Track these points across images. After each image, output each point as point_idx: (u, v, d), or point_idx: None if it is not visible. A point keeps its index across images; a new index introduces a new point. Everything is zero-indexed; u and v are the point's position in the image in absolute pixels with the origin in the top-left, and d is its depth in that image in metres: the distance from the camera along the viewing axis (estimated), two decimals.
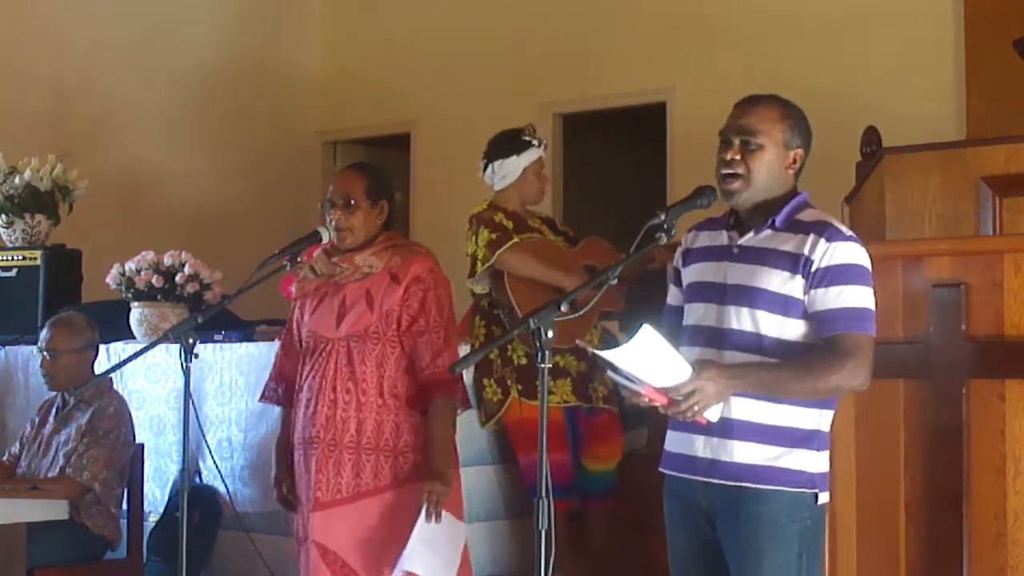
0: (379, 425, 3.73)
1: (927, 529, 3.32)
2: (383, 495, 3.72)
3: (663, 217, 2.87)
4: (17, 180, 6.13)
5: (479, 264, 4.76)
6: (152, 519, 5.18)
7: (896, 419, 3.37)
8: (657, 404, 2.79)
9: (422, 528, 3.65)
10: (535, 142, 4.91)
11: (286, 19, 8.73)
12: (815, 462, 2.89)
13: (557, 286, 4.67)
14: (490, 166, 4.89)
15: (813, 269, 2.83)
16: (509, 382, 4.79)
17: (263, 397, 4.06)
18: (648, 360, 2.71)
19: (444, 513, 3.66)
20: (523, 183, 4.89)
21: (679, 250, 3.13)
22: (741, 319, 2.87)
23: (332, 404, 3.73)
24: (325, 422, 3.73)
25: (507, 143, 4.92)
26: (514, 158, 4.86)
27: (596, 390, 4.89)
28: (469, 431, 4.80)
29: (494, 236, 4.74)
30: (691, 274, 3.03)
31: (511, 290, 4.74)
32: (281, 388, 3.98)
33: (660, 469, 3.04)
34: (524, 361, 4.78)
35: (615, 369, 2.78)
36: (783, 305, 2.85)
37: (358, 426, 3.72)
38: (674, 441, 3.00)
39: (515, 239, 4.75)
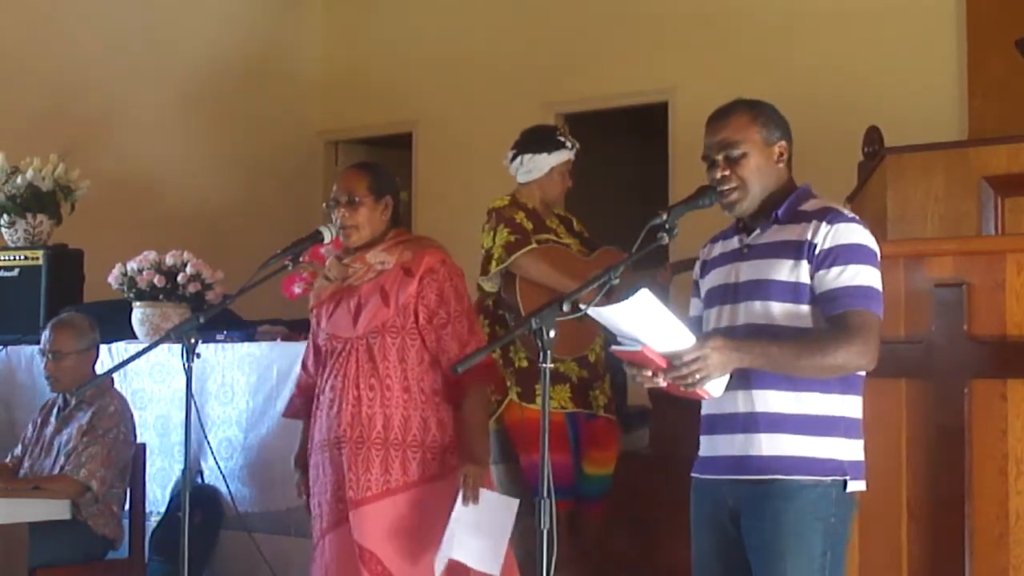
0: (406, 420, 3.73)
1: (929, 529, 3.32)
2: (412, 491, 3.72)
3: (665, 217, 2.87)
4: (19, 180, 6.13)
5: (493, 263, 4.74)
6: (154, 519, 5.18)
7: (898, 419, 3.37)
8: (660, 379, 2.74)
9: (461, 513, 3.65)
10: (568, 144, 4.92)
11: (287, 19, 8.73)
12: (845, 449, 2.87)
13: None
14: (520, 157, 4.88)
15: (817, 252, 2.83)
16: (508, 384, 4.78)
17: (287, 413, 4.09)
18: (646, 323, 2.68)
19: (487, 492, 3.67)
20: (548, 181, 4.89)
21: (697, 263, 3.15)
22: (753, 313, 2.88)
23: (356, 402, 3.73)
24: (351, 420, 3.73)
25: (541, 139, 4.93)
26: (545, 155, 4.86)
27: (596, 398, 4.88)
28: None
29: (512, 238, 4.72)
30: (707, 283, 3.06)
31: (520, 294, 4.73)
32: (300, 402, 4.00)
33: (692, 475, 3.03)
34: (525, 364, 4.76)
35: (619, 340, 2.75)
36: (793, 292, 2.85)
37: (385, 422, 3.72)
38: (705, 445, 3.00)
39: (533, 244, 4.75)
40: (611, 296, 2.79)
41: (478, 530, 3.66)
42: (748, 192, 2.93)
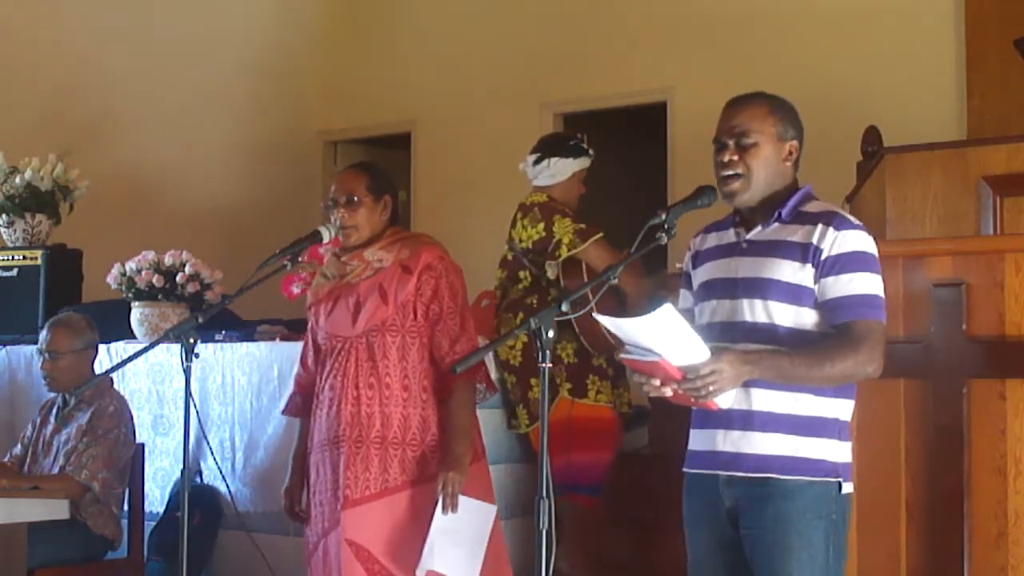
0: (405, 419, 3.73)
1: (928, 529, 3.33)
2: (411, 490, 3.71)
3: (664, 216, 2.88)
4: (18, 180, 6.13)
5: (564, 248, 4.79)
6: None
7: (897, 419, 3.38)
8: (667, 388, 2.76)
9: (440, 520, 3.62)
10: (590, 151, 5.02)
11: (287, 19, 8.73)
12: (837, 451, 2.88)
13: (627, 288, 4.74)
14: (546, 160, 4.97)
15: (823, 257, 2.84)
16: (558, 381, 4.79)
17: (286, 410, 4.08)
18: (665, 336, 2.69)
19: (465, 499, 3.64)
20: (569, 186, 5.00)
21: (688, 254, 3.13)
22: (754, 311, 2.88)
23: (356, 401, 3.73)
24: (350, 419, 3.73)
25: (566, 144, 5.05)
26: (571, 160, 4.98)
27: (621, 395, 4.97)
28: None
29: (581, 226, 4.81)
30: (701, 274, 3.05)
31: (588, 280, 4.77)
32: (300, 400, 3.99)
33: (684, 469, 3.03)
34: (574, 360, 4.79)
35: (628, 348, 2.76)
36: (795, 295, 2.86)
37: (383, 421, 3.72)
38: (697, 439, 3.00)
39: (600, 233, 4.81)
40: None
41: (456, 538, 3.64)
42: (751, 182, 2.93)
